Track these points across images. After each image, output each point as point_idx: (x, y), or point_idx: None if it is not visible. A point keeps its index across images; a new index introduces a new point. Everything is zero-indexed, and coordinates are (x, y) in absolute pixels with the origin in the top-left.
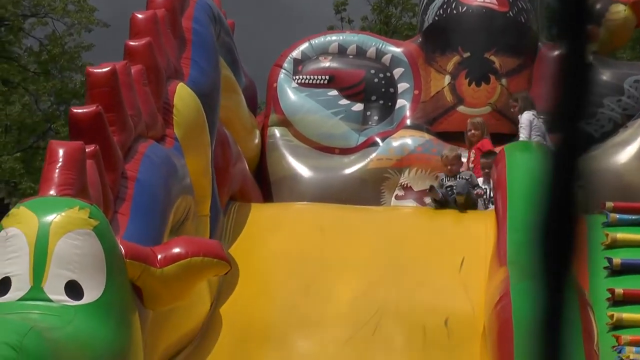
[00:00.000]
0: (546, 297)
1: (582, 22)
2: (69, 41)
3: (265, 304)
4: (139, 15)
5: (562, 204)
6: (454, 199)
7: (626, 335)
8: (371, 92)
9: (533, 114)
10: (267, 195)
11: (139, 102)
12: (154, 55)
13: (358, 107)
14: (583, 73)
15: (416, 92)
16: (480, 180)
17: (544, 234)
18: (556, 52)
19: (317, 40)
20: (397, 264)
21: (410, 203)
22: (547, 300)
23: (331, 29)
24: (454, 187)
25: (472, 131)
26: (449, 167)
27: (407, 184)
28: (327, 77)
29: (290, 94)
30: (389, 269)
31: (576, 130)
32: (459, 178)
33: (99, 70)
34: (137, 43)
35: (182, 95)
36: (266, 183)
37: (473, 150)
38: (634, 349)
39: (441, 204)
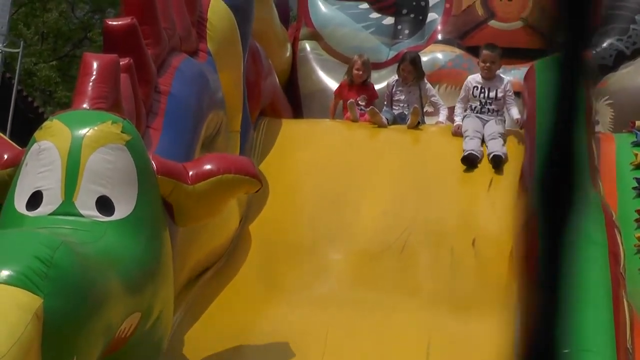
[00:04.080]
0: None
1: None
2: None
3: (294, 219)
4: None
5: (566, 127)
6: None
7: None
8: (402, 5)
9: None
10: (297, 109)
11: (174, 15)
12: None
13: (389, 20)
14: None
15: (447, 5)
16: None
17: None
18: None
19: None
20: (425, 183)
21: (439, 118)
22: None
23: None
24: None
25: (360, 72)
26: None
27: (432, 103)
28: None
29: (322, 6)
30: (417, 187)
31: (582, 48)
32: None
33: None
34: None
35: (216, 8)
36: (296, 97)
37: (364, 95)
38: None
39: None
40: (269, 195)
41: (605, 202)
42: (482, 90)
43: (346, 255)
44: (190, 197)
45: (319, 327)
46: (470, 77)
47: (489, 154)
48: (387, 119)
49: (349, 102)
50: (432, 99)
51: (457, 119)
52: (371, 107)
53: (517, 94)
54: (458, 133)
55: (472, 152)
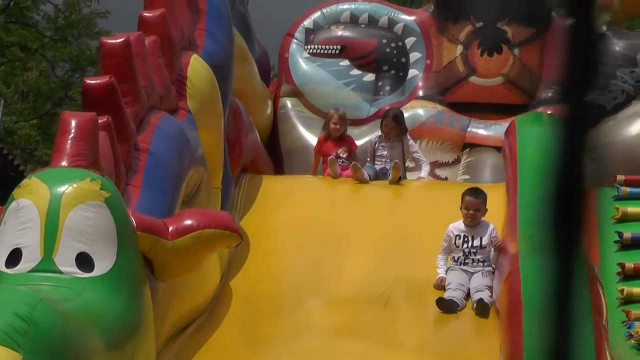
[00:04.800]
0: (555, 269)
1: None
2: (85, 7)
3: (276, 276)
4: None
5: (571, 176)
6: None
7: (636, 310)
8: (383, 62)
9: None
10: (279, 166)
11: (153, 74)
12: (168, 26)
13: (370, 77)
14: (593, 43)
15: (428, 61)
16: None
17: (554, 206)
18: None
19: (329, 9)
20: (407, 239)
21: (421, 173)
22: (557, 272)
23: None
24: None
25: (338, 126)
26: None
27: (415, 159)
28: (339, 46)
29: (302, 64)
30: (399, 244)
31: (586, 102)
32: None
33: (113, 41)
34: (151, 14)
35: (196, 67)
36: (278, 154)
37: (344, 147)
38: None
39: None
40: (250, 251)
41: (587, 257)
42: (466, 239)
43: (328, 311)
44: (171, 253)
45: None
46: (451, 226)
47: (473, 302)
48: (369, 175)
49: (329, 158)
50: (414, 154)
51: (440, 272)
52: (354, 162)
53: (498, 148)
54: (440, 287)
55: (453, 298)
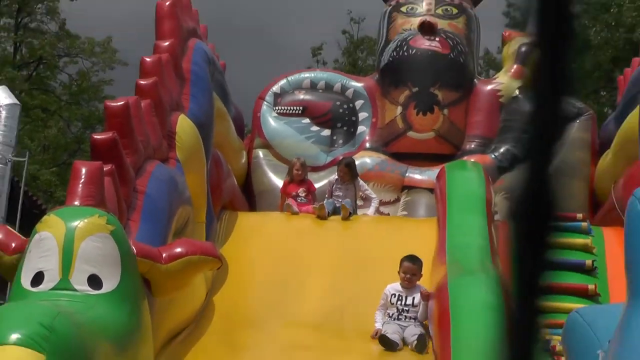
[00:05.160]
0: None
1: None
2: (94, 76)
3: (250, 295)
4: (147, 59)
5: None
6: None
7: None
8: (337, 120)
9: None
10: (252, 204)
11: (148, 130)
12: (160, 92)
13: (326, 132)
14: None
15: (374, 119)
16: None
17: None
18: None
19: (293, 77)
20: (358, 264)
21: (369, 211)
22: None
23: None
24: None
25: (299, 172)
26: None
27: (366, 196)
28: (301, 107)
29: (271, 121)
30: (352, 268)
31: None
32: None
33: (115, 104)
34: (145, 82)
35: (183, 125)
36: (251, 195)
37: (302, 187)
38: (548, 330)
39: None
40: (228, 274)
41: (505, 278)
42: (400, 298)
43: (292, 326)
44: (164, 274)
45: None
46: (389, 286)
47: (412, 342)
48: (328, 210)
49: (285, 203)
50: (366, 192)
51: (377, 325)
52: (321, 204)
53: (431, 190)
54: (377, 338)
55: (394, 339)
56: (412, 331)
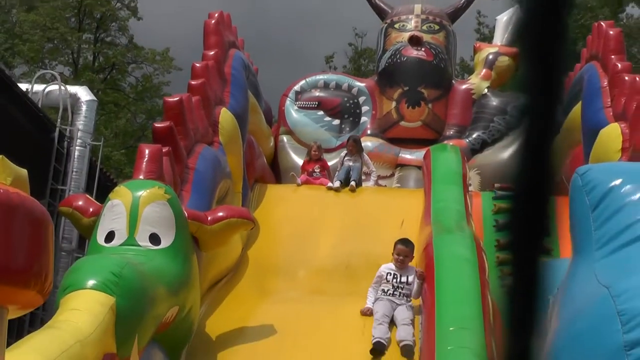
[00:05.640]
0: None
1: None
2: (155, 79)
3: (276, 249)
4: (197, 65)
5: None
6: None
7: (507, 269)
8: (344, 112)
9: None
10: (278, 178)
11: (197, 120)
12: (207, 90)
13: (336, 121)
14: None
15: (374, 112)
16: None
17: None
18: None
19: (310, 79)
20: (361, 224)
21: (369, 183)
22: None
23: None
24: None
25: (316, 152)
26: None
27: (367, 172)
28: (317, 102)
29: (293, 113)
30: (356, 228)
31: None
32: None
33: (172, 100)
34: (196, 82)
35: (225, 116)
36: (277, 171)
37: (318, 165)
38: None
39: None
40: (259, 234)
41: (476, 235)
42: (395, 276)
43: (310, 273)
44: (209, 233)
45: (292, 317)
46: (383, 266)
47: (399, 342)
48: (341, 181)
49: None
50: (369, 165)
51: (368, 302)
52: (351, 184)
53: (419, 167)
54: (367, 314)
55: (380, 340)
56: (403, 315)
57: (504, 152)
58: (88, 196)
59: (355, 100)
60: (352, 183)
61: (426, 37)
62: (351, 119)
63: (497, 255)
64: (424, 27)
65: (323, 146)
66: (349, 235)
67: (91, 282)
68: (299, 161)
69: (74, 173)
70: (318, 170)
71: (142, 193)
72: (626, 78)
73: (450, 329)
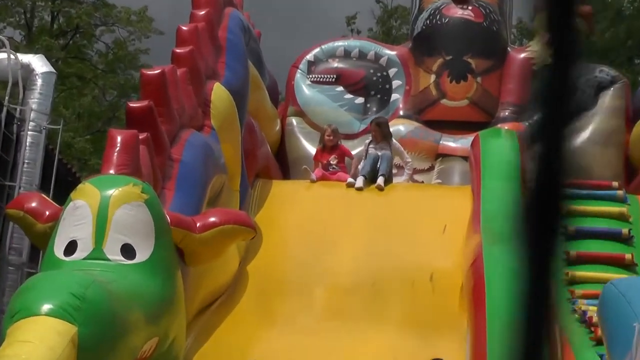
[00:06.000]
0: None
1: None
2: (130, 45)
3: (283, 263)
4: (184, 28)
5: (550, 175)
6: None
7: (578, 290)
8: (370, 88)
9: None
10: (286, 172)
11: (183, 99)
12: (196, 60)
13: (359, 100)
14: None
15: (407, 87)
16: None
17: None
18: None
19: (327, 46)
20: (391, 230)
21: (402, 178)
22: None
23: None
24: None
25: (330, 137)
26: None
27: (399, 164)
28: (335, 76)
29: (305, 89)
30: (386, 235)
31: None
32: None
33: (151, 72)
34: (182, 50)
35: (218, 93)
36: (285, 162)
37: (334, 155)
38: (585, 301)
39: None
40: (262, 243)
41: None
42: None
43: (326, 291)
44: (198, 244)
45: (303, 352)
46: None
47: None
48: (365, 175)
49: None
50: (402, 156)
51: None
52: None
53: (465, 158)
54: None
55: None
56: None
57: (573, 137)
58: (43, 195)
59: (384, 73)
60: (380, 179)
61: None
62: (379, 96)
63: (567, 271)
64: None
65: (343, 131)
66: (376, 245)
67: (46, 307)
68: (312, 150)
69: (25, 165)
70: (335, 162)
71: (112, 192)
72: None
73: None
